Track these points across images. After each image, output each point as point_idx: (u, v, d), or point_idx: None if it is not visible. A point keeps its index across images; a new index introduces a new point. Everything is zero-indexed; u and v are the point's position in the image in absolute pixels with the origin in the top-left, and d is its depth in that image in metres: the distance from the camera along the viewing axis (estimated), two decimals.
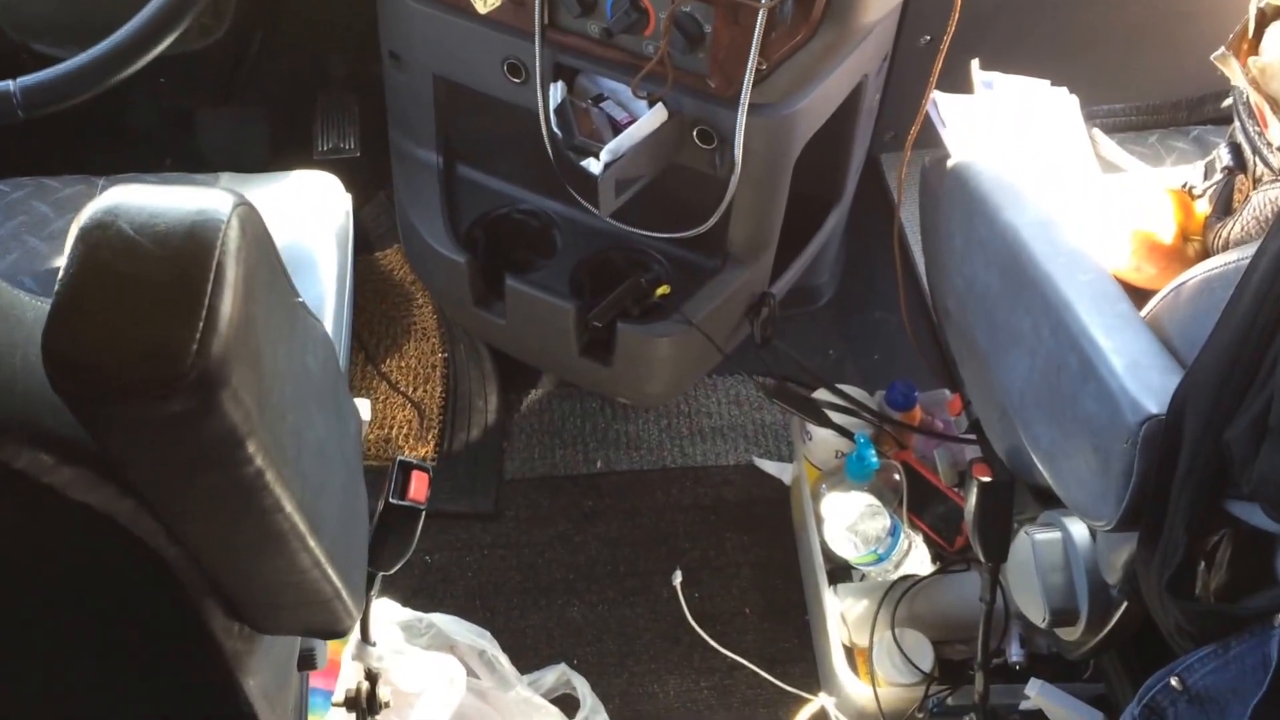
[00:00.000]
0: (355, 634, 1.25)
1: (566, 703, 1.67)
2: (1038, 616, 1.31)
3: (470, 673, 1.53)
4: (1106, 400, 1.04)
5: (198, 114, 2.11)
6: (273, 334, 0.66)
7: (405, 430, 1.97)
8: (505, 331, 1.76)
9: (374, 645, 1.24)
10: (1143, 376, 1.03)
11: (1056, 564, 1.29)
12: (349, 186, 2.21)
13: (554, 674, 1.67)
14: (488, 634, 1.56)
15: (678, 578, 1.81)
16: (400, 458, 1.15)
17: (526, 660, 1.71)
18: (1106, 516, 1.06)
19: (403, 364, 2.05)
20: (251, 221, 0.65)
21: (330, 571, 0.73)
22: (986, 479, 1.37)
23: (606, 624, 1.78)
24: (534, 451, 1.98)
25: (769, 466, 1.96)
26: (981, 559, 1.40)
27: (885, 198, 2.31)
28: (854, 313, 2.21)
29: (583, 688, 1.64)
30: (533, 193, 1.79)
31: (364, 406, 1.41)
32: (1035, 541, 1.30)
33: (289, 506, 0.67)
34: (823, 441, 1.75)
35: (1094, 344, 1.08)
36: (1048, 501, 1.37)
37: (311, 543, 0.70)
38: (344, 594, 0.77)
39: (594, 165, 1.43)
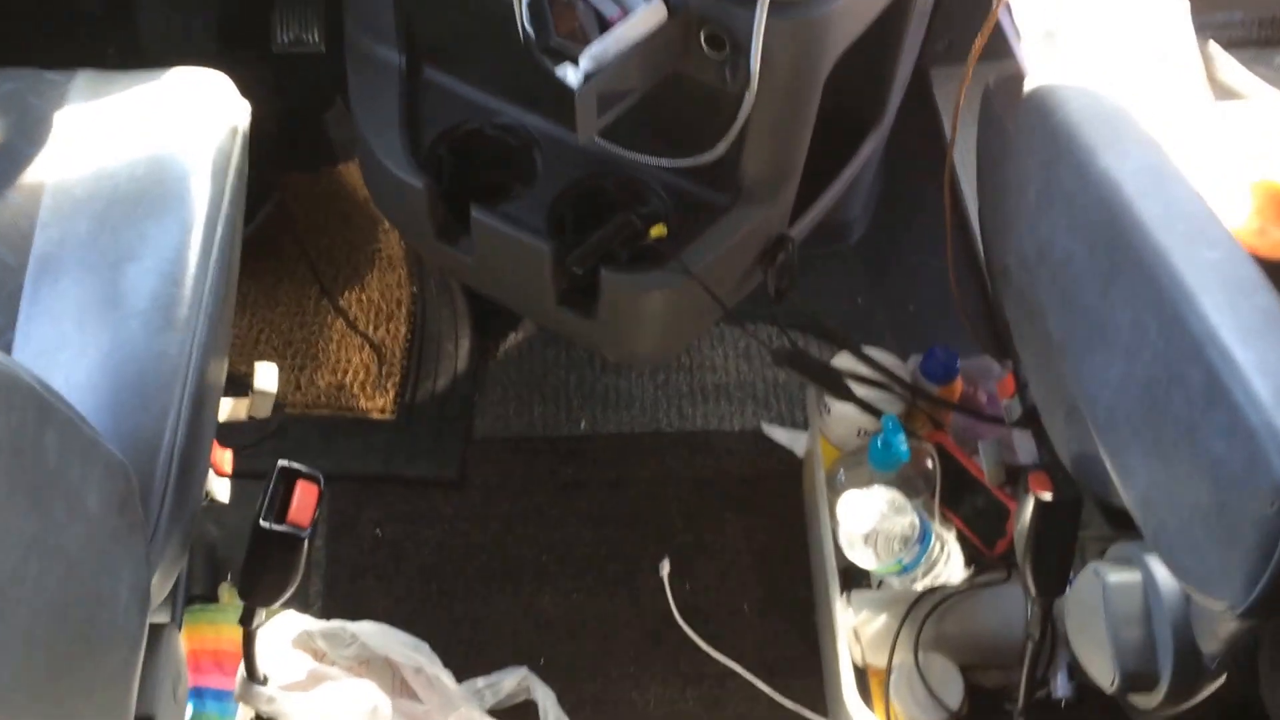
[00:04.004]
0: (241, 670, 0.99)
1: (527, 711, 1.42)
2: (1104, 679, 1.04)
3: (407, 693, 1.28)
4: (1242, 440, 0.75)
5: None
6: None
7: (361, 377, 1.70)
8: (474, 270, 1.48)
9: (263, 684, 0.98)
10: None
11: (1133, 616, 1.02)
12: (311, 86, 1.94)
13: (514, 678, 1.42)
14: (425, 646, 1.31)
15: (665, 568, 1.54)
16: (282, 463, 0.88)
17: (485, 656, 1.47)
18: (1228, 598, 0.78)
19: (363, 298, 1.77)
20: None
21: None
22: (1047, 496, 1.09)
23: (582, 616, 1.53)
24: (509, 407, 1.70)
25: (780, 435, 1.68)
26: (1032, 592, 1.13)
27: (932, 119, 2.00)
28: (888, 254, 1.91)
29: (546, 700, 1.39)
30: (512, 103, 1.50)
31: (269, 371, 1.14)
32: (1107, 586, 1.03)
33: None
34: (843, 416, 1.46)
35: (1225, 355, 0.78)
36: (1122, 525, 1.09)
37: None
38: None
39: (570, 75, 1.15)
